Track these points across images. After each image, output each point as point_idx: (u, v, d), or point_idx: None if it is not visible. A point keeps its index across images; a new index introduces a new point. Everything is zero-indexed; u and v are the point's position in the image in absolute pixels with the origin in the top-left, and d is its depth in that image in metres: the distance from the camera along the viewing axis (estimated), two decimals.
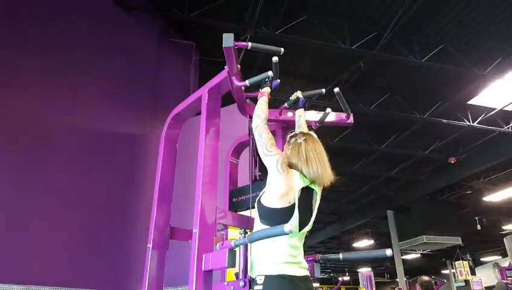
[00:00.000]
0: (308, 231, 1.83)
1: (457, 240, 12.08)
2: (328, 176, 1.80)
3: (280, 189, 1.70)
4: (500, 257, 18.83)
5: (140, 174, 4.54)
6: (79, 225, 3.90)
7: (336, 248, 20.33)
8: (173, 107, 2.74)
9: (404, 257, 17.95)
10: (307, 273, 1.76)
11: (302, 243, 1.82)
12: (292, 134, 1.98)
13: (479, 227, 14.10)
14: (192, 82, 5.94)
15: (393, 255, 11.98)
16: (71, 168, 3.99)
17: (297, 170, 1.79)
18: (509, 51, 6.58)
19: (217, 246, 1.82)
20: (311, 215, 1.81)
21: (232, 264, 1.70)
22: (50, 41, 4.17)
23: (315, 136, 1.96)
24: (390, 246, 12.59)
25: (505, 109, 7.89)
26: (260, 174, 2.50)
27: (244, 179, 2.76)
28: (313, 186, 1.81)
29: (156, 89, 5.34)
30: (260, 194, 1.83)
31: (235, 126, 2.97)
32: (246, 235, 1.72)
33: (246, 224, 2.18)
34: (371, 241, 17.49)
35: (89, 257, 3.89)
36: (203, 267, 1.82)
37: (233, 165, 2.85)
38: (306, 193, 1.78)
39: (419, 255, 19.04)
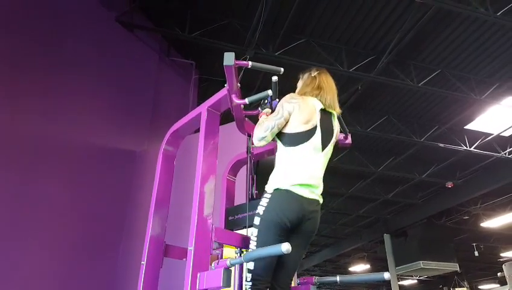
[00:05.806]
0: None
1: (455, 267, 11.92)
2: (337, 106, 1.98)
3: (303, 115, 1.81)
4: (498, 285, 18.55)
5: (136, 191, 4.51)
6: (73, 240, 3.85)
7: (331, 271, 20.04)
8: (172, 124, 2.74)
9: (401, 282, 17.70)
10: (317, 198, 1.83)
11: (325, 167, 1.89)
12: (306, 70, 2.13)
13: (476, 253, 13.96)
14: (192, 100, 5.97)
15: (390, 280, 11.84)
16: (69, 184, 3.95)
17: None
18: (506, 77, 6.68)
19: (212, 264, 1.79)
20: (332, 137, 1.92)
21: (227, 283, 1.66)
22: (50, 58, 4.19)
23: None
24: (386, 270, 12.39)
25: (502, 134, 7.93)
26: (257, 193, 2.48)
27: (241, 197, 2.73)
28: (330, 110, 1.93)
29: (155, 106, 5.36)
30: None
31: (234, 144, 2.97)
32: (242, 255, 1.69)
33: (242, 243, 2.15)
34: (367, 266, 17.25)
35: (82, 273, 3.82)
36: (197, 286, 1.78)
37: (230, 182, 2.83)
38: (325, 115, 1.90)
39: (416, 280, 18.77)
